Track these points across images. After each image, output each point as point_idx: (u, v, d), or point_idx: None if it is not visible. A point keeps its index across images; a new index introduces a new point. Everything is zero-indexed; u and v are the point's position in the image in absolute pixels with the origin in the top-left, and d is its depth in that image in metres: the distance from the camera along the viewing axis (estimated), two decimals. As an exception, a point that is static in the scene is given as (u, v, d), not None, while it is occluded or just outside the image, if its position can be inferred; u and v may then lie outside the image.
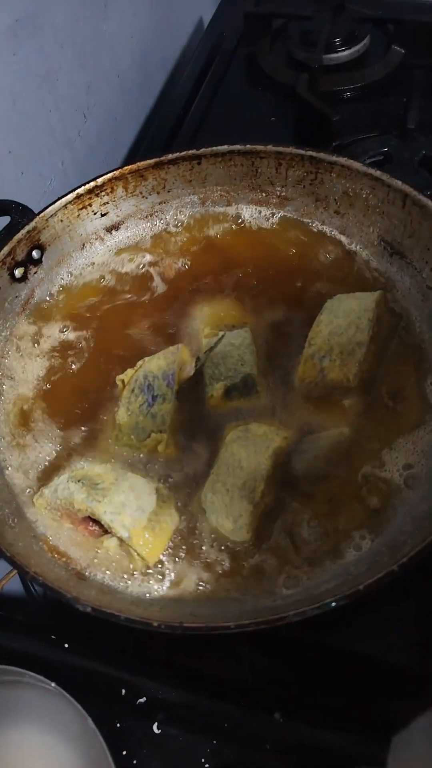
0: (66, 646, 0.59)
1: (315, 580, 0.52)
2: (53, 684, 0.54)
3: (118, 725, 0.54)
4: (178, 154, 0.69)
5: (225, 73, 1.09)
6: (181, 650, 0.58)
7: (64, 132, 0.90)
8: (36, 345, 0.67)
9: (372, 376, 0.62)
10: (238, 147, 0.69)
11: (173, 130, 1.01)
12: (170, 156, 0.70)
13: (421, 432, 0.58)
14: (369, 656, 0.56)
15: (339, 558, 0.52)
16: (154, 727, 0.54)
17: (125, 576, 0.54)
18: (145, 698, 0.56)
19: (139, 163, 0.70)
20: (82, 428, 0.61)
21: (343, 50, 1.03)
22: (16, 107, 0.78)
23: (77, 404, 0.63)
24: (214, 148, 0.69)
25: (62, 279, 0.71)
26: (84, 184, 0.69)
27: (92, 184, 0.69)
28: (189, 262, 0.72)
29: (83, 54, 0.92)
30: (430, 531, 0.46)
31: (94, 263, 0.72)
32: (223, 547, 0.54)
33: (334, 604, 0.41)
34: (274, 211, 0.73)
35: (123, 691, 0.57)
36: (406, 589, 0.56)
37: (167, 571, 0.54)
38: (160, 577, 0.53)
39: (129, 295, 0.70)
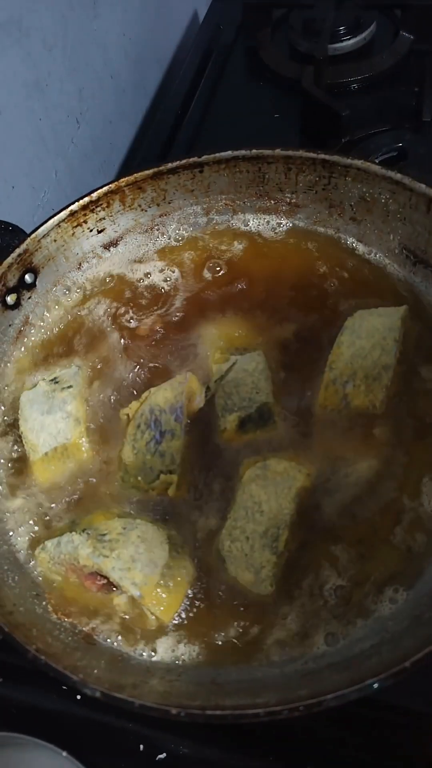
0: (78, 698, 0.54)
1: (349, 638, 0.47)
2: (65, 753, 0.49)
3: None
4: (178, 162, 0.64)
5: (224, 67, 1.04)
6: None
7: (55, 140, 0.85)
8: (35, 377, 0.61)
9: (400, 399, 0.57)
10: (242, 152, 0.63)
11: (172, 131, 0.96)
12: (170, 165, 0.64)
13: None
14: (408, 710, 0.51)
15: (374, 611, 0.47)
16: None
17: (138, 638, 0.49)
18: (165, 754, 0.52)
19: (136, 174, 0.64)
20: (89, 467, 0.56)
21: (349, 39, 0.97)
22: (3, 118, 0.73)
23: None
24: (217, 154, 0.63)
25: (58, 302, 0.65)
26: (78, 200, 0.63)
27: (86, 199, 0.63)
28: (194, 279, 0.66)
29: (73, 57, 0.86)
30: None
31: (91, 284, 0.67)
32: (244, 602, 0.49)
33: (376, 685, 0.36)
34: (284, 219, 0.68)
35: (141, 746, 0.52)
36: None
37: (184, 632, 0.48)
38: (177, 638, 0.48)
39: (129, 317, 0.64)
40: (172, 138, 0.95)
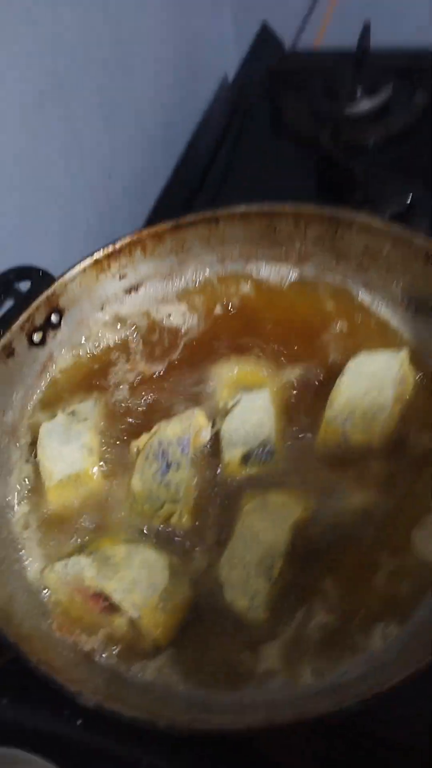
0: (78, 723, 0.56)
1: (339, 668, 0.48)
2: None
3: None
4: (195, 216, 0.69)
5: (248, 126, 1.11)
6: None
7: (88, 192, 0.92)
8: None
9: (399, 439, 0.59)
10: (255, 208, 0.68)
11: (197, 185, 1.02)
12: (188, 219, 0.69)
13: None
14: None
15: (363, 647, 0.48)
16: None
17: (136, 658, 0.51)
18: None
19: (157, 227, 0.70)
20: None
21: (366, 101, 1.03)
22: (42, 173, 0.80)
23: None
24: (231, 209, 0.69)
25: (80, 341, 0.71)
26: (102, 249, 0.69)
27: (110, 248, 0.69)
28: (207, 322, 0.71)
29: (109, 118, 0.94)
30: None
31: (112, 324, 0.72)
32: (238, 629, 0.51)
33: (350, 706, 0.37)
34: (294, 268, 0.72)
35: None
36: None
37: (179, 654, 0.51)
38: (172, 660, 0.50)
39: (146, 356, 0.69)
40: (197, 191, 1.01)
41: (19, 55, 0.70)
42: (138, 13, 0.96)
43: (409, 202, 0.82)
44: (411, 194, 0.84)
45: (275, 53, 1.19)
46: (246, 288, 0.72)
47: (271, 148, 1.07)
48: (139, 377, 0.67)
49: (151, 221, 0.68)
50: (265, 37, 1.20)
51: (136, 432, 0.63)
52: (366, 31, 1.07)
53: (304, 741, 0.54)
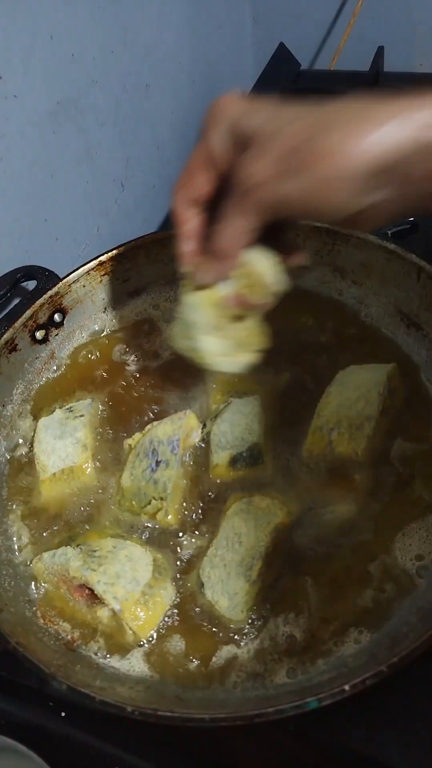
0: (63, 714, 0.57)
1: (311, 671, 0.49)
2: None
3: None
4: (197, 224, 0.71)
5: None
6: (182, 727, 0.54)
7: (100, 200, 0.94)
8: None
9: (384, 451, 0.60)
10: (256, 219, 0.70)
11: None
12: (191, 226, 0.71)
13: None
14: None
15: (336, 652, 0.50)
16: None
17: (115, 650, 0.52)
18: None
19: (160, 233, 0.72)
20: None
21: None
22: (54, 180, 0.83)
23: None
24: (233, 219, 0.71)
25: (81, 341, 0.73)
26: (106, 252, 0.71)
27: (114, 252, 0.71)
28: (206, 328, 0.73)
29: (123, 131, 0.96)
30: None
31: (113, 327, 0.74)
32: (217, 627, 0.52)
33: (315, 704, 0.38)
34: (292, 279, 0.73)
35: None
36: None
37: (158, 648, 0.52)
38: (150, 654, 0.52)
39: (143, 359, 0.71)
40: None
41: (38, 68, 0.73)
42: (157, 31, 0.99)
43: (411, 219, 0.84)
44: (414, 214, 0.85)
45: (291, 73, 1.22)
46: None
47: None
48: (135, 379, 0.69)
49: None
50: (282, 57, 1.22)
51: (129, 430, 0.65)
52: (380, 55, 1.10)
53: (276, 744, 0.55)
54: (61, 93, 0.80)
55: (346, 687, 0.39)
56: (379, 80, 1.08)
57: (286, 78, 1.20)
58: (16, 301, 0.72)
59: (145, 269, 0.74)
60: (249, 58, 1.35)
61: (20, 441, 0.66)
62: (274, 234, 0.47)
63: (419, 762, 0.49)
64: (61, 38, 0.76)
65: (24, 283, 0.73)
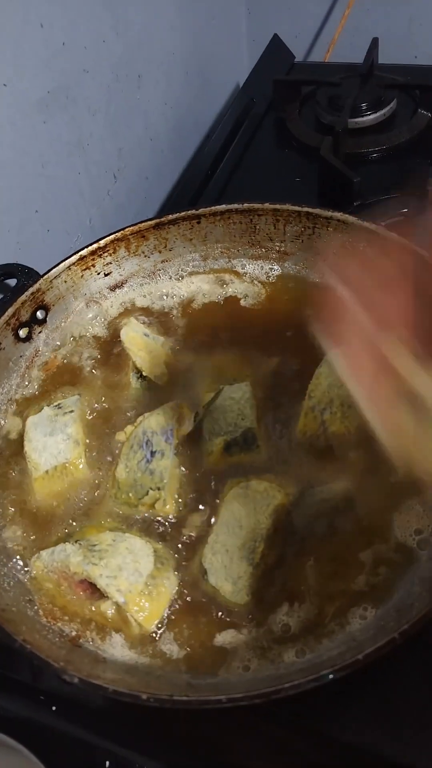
0: (53, 708, 0.56)
1: (320, 649, 0.49)
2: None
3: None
4: (177, 214, 0.71)
5: (254, 135, 1.10)
6: (175, 720, 0.54)
7: (92, 192, 0.92)
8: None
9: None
10: (235, 206, 0.70)
11: (200, 189, 1.01)
12: (170, 217, 0.71)
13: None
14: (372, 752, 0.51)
15: (345, 624, 0.50)
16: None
17: (121, 643, 0.52)
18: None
19: (140, 225, 0.71)
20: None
21: (369, 114, 1.03)
22: (45, 171, 0.80)
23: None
24: (213, 207, 0.71)
25: (65, 337, 0.72)
26: (87, 246, 0.70)
27: (95, 245, 0.70)
28: (191, 318, 0.72)
29: (115, 121, 0.93)
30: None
31: (96, 321, 0.73)
32: (223, 612, 0.52)
33: (331, 675, 0.39)
34: (275, 265, 0.74)
35: (107, 762, 0.52)
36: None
37: (165, 638, 0.51)
38: (158, 644, 0.51)
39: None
40: (200, 194, 1.01)
41: (28, 57, 0.71)
42: (150, 21, 0.97)
43: (405, 210, 0.84)
44: (407, 205, 0.85)
45: (285, 65, 1.20)
46: (229, 284, 0.74)
47: (276, 156, 1.07)
48: (121, 371, 0.68)
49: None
50: (276, 49, 1.21)
51: (120, 423, 0.64)
52: (374, 46, 1.09)
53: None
54: (51, 82, 0.78)
55: (360, 656, 0.39)
56: (373, 72, 1.07)
57: (279, 70, 1.18)
58: (-1, 298, 0.71)
59: (125, 262, 0.74)
60: (243, 49, 1.34)
61: (7, 440, 0.65)
62: None
63: (407, 748, 0.49)
64: (52, 26, 0.75)
65: (8, 281, 0.72)
